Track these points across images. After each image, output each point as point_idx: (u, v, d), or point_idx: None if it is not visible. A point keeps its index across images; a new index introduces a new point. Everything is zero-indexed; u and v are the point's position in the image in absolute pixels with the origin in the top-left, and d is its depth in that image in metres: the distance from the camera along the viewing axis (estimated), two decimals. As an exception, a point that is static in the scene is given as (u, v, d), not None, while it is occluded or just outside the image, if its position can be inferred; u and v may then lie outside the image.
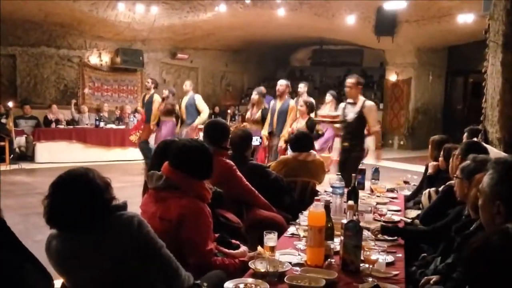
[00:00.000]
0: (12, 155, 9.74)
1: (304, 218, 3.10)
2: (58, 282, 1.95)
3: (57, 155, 10.33)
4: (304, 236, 2.68)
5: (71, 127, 11.45)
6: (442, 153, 3.99)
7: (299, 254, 2.49)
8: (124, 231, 1.94)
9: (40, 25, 11.91)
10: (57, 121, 11.30)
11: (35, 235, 4.73)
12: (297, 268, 2.30)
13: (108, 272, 1.92)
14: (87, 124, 11.78)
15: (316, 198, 3.75)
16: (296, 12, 12.06)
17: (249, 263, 2.30)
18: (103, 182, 1.99)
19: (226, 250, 2.65)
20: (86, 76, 13.30)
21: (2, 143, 9.74)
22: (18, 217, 5.78)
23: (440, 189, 3.60)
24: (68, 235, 1.96)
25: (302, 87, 8.54)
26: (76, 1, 10.88)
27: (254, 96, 7.61)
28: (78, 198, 1.90)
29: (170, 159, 2.60)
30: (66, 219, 1.92)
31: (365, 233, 2.64)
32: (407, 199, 4.40)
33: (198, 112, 8.65)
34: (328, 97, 8.88)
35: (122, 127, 11.82)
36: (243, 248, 2.74)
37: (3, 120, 10.33)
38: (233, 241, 2.82)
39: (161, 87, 15.08)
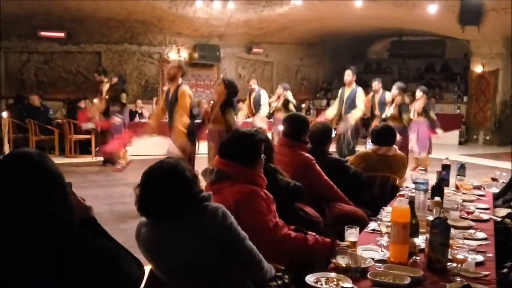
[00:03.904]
0: (97, 148, 10.23)
1: (386, 214, 3.03)
2: (146, 268, 2.02)
3: (140, 149, 10.69)
4: (386, 232, 2.61)
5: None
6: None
7: (382, 251, 2.42)
8: (209, 222, 1.98)
9: (122, 23, 12.42)
10: (140, 115, 11.79)
11: (120, 224, 4.96)
12: (380, 265, 2.24)
13: (193, 261, 1.97)
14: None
15: (400, 193, 3.63)
16: (374, 3, 11.72)
17: (331, 258, 2.27)
18: (192, 174, 2.05)
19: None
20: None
21: (89, 136, 10.28)
22: (105, 206, 6.10)
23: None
24: (157, 223, 2.03)
25: (376, 84, 8.48)
26: (157, -1, 11.27)
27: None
28: (168, 188, 1.96)
29: (219, 151, 2.62)
30: (156, 208, 1.99)
31: (452, 231, 2.52)
32: (495, 197, 4.15)
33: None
34: (418, 92, 8.58)
35: (199, 121, 12.04)
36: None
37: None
38: (309, 233, 2.78)
39: (238, 82, 15.37)
